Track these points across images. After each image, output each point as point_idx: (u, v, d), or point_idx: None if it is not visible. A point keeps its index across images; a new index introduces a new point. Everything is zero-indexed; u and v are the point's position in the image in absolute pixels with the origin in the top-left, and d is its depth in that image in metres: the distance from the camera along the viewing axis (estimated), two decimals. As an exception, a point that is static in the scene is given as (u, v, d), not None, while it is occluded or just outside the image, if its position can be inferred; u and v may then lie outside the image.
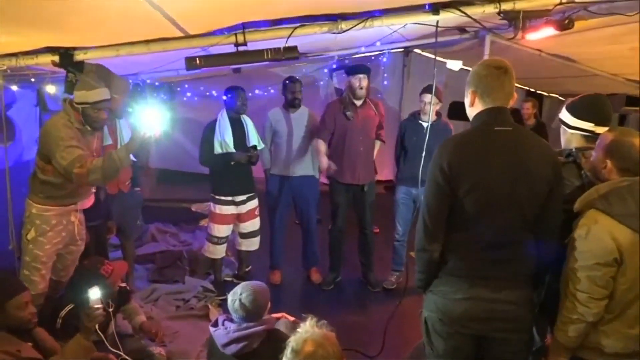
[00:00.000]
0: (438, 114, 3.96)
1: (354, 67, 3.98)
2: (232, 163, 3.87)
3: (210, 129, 3.90)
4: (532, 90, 6.94)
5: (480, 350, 1.96)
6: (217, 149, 3.84)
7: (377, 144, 4.19)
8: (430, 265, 1.94)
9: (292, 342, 1.74)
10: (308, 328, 1.78)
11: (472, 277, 1.88)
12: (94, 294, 2.22)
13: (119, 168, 2.63)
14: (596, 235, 1.73)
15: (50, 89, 3.61)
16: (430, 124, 3.83)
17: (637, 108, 6.26)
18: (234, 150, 3.85)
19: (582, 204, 1.82)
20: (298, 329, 1.79)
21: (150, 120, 2.57)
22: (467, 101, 1.95)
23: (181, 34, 2.13)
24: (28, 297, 2.23)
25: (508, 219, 1.82)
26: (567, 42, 3.69)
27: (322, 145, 3.94)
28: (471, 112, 1.95)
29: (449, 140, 1.93)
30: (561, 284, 1.86)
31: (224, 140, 3.83)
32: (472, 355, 1.97)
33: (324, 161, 3.91)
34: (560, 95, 6.81)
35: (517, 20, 2.67)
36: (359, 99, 3.96)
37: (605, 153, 1.86)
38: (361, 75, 3.88)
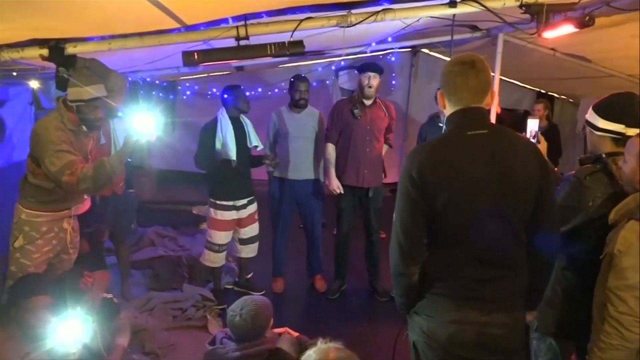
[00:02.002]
0: None
1: (364, 65, 3.83)
2: (233, 167, 3.67)
3: (209, 130, 3.68)
4: (543, 91, 6.76)
5: None
6: (218, 148, 3.65)
7: (385, 147, 4.04)
8: (410, 289, 1.73)
9: (313, 354, 1.57)
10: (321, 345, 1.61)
11: (459, 297, 1.66)
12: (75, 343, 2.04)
13: (111, 176, 2.49)
14: None
15: (35, 84, 3.39)
16: None
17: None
18: (234, 152, 3.64)
19: (619, 215, 1.65)
20: (309, 351, 1.61)
21: (143, 125, 2.40)
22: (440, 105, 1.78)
23: (177, 24, 1.94)
24: (40, 303, 2.22)
25: (495, 231, 1.61)
26: (584, 38, 3.50)
27: (332, 156, 3.87)
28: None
29: (419, 148, 1.74)
30: (595, 306, 1.68)
31: (226, 141, 3.64)
32: None
33: (334, 183, 3.85)
34: (573, 98, 6.62)
35: (541, 14, 2.50)
36: (367, 98, 3.82)
37: None
38: (371, 74, 3.74)
